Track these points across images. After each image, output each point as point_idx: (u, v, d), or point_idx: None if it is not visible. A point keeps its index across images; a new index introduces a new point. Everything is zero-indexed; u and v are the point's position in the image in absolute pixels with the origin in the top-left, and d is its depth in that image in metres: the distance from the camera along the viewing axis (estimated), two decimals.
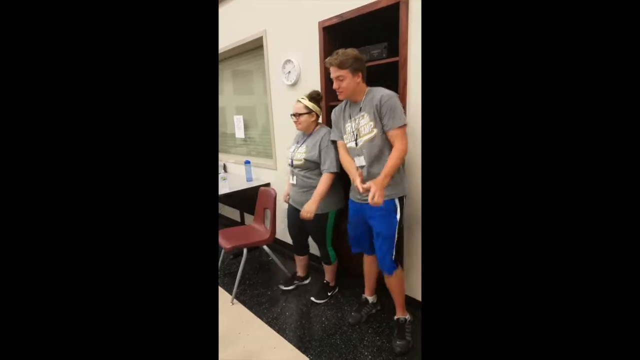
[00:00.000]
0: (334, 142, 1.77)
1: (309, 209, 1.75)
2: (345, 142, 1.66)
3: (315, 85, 2.17)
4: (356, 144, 1.60)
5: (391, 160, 1.47)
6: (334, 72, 1.53)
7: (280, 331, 1.83)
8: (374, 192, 1.35)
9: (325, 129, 1.87)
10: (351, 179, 1.61)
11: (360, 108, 1.57)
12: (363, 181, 1.49)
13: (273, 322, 1.91)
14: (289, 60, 2.33)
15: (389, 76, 1.80)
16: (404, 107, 1.71)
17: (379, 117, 1.51)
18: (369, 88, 1.58)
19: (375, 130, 1.53)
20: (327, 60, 1.54)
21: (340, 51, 1.51)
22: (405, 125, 1.49)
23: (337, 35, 2.08)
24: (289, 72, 2.36)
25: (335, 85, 1.56)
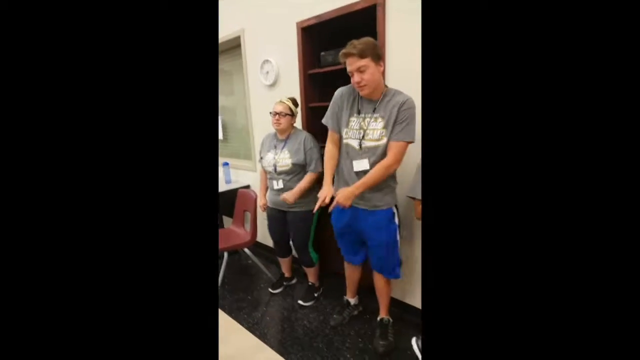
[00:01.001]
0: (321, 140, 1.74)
1: (289, 197, 1.79)
2: (345, 136, 1.52)
3: (294, 85, 2.15)
4: (360, 146, 1.46)
5: (375, 174, 1.39)
6: (353, 64, 1.33)
7: (262, 336, 1.80)
8: (344, 198, 1.38)
9: (303, 132, 1.91)
10: (324, 181, 1.57)
11: (375, 109, 1.42)
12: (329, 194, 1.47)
13: (254, 327, 1.88)
14: (267, 61, 2.30)
15: None
16: None
17: (393, 121, 1.37)
18: (387, 88, 1.44)
19: (384, 139, 1.41)
20: (342, 52, 1.34)
21: (355, 41, 1.33)
22: (411, 142, 1.39)
23: (315, 35, 2.07)
24: (268, 72, 2.33)
25: (356, 79, 1.35)
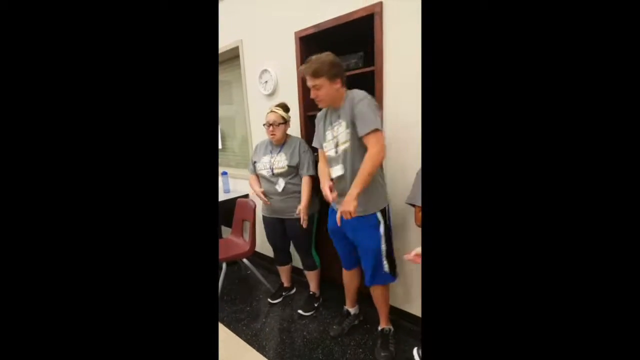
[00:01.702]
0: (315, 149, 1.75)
1: (305, 212, 1.81)
2: (325, 150, 1.59)
3: (293, 94, 2.16)
4: (336, 152, 1.52)
5: (363, 168, 1.38)
6: (309, 81, 1.44)
7: (261, 348, 1.76)
8: (344, 204, 1.37)
9: (297, 138, 1.96)
10: (322, 187, 1.57)
11: (339, 115, 1.49)
12: (332, 189, 1.51)
13: (253, 339, 1.84)
14: (265, 70, 2.31)
15: (365, 85, 1.80)
16: (381, 112, 1.71)
17: (352, 119, 1.42)
18: (347, 92, 1.49)
19: (349, 141, 1.45)
20: (300, 68, 1.45)
21: (314, 57, 1.42)
22: (377, 130, 1.36)
23: (313, 45, 2.08)
24: (266, 81, 2.34)
25: (312, 95, 1.47)
